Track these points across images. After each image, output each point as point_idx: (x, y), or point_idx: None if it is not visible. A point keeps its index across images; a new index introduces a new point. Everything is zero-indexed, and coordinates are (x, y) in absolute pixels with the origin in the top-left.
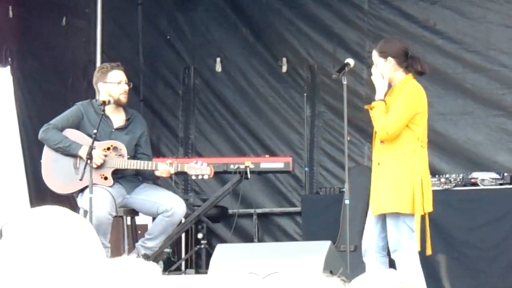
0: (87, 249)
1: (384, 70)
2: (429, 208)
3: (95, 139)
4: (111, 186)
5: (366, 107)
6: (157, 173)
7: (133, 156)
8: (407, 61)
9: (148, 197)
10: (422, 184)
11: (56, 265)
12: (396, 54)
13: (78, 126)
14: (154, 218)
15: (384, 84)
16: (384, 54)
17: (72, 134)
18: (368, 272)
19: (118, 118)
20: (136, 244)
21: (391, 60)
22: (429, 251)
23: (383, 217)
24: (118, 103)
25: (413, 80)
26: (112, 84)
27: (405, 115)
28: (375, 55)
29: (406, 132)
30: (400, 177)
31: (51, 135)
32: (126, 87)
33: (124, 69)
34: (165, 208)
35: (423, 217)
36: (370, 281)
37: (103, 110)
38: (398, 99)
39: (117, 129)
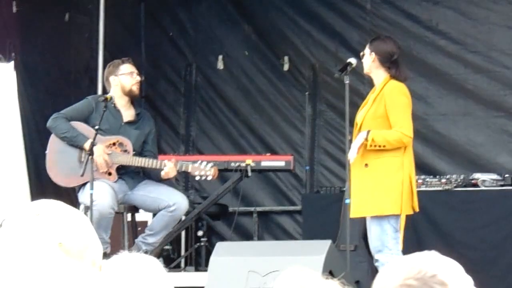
0: (83, 242)
1: (366, 61)
2: (416, 207)
3: (96, 135)
4: (114, 182)
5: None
6: (163, 175)
7: (140, 153)
8: (387, 64)
9: (149, 193)
10: (411, 183)
11: (51, 258)
12: (381, 53)
13: (87, 119)
14: (154, 215)
15: (369, 60)
16: (372, 48)
17: (80, 127)
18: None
19: (128, 112)
20: (136, 240)
21: (373, 55)
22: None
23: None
24: (131, 94)
25: (392, 81)
26: (124, 76)
27: (409, 113)
28: (368, 44)
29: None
30: (391, 178)
31: (59, 124)
32: (138, 78)
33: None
34: (168, 203)
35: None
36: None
37: (105, 106)
38: (391, 105)
39: (126, 123)
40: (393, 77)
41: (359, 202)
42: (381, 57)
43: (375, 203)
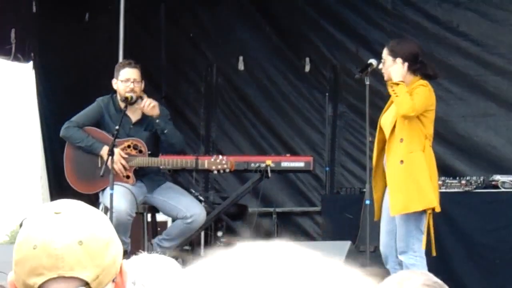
0: (103, 241)
1: (398, 71)
2: (438, 207)
3: (116, 136)
4: (133, 185)
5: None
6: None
7: (155, 152)
8: (416, 65)
9: (169, 199)
10: (432, 181)
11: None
12: (406, 57)
13: (98, 122)
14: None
15: (398, 68)
16: (393, 54)
17: (93, 133)
18: (402, 271)
19: (136, 113)
20: (153, 241)
21: (398, 61)
22: (434, 252)
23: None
24: (126, 101)
25: (421, 80)
26: (120, 82)
27: (425, 101)
28: (385, 52)
29: (419, 128)
30: (425, 172)
31: (73, 133)
32: (132, 86)
33: (138, 66)
34: (185, 214)
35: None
36: (403, 278)
37: (126, 106)
38: (417, 90)
39: (135, 124)
40: (424, 75)
41: (403, 198)
42: (411, 62)
43: (420, 197)
